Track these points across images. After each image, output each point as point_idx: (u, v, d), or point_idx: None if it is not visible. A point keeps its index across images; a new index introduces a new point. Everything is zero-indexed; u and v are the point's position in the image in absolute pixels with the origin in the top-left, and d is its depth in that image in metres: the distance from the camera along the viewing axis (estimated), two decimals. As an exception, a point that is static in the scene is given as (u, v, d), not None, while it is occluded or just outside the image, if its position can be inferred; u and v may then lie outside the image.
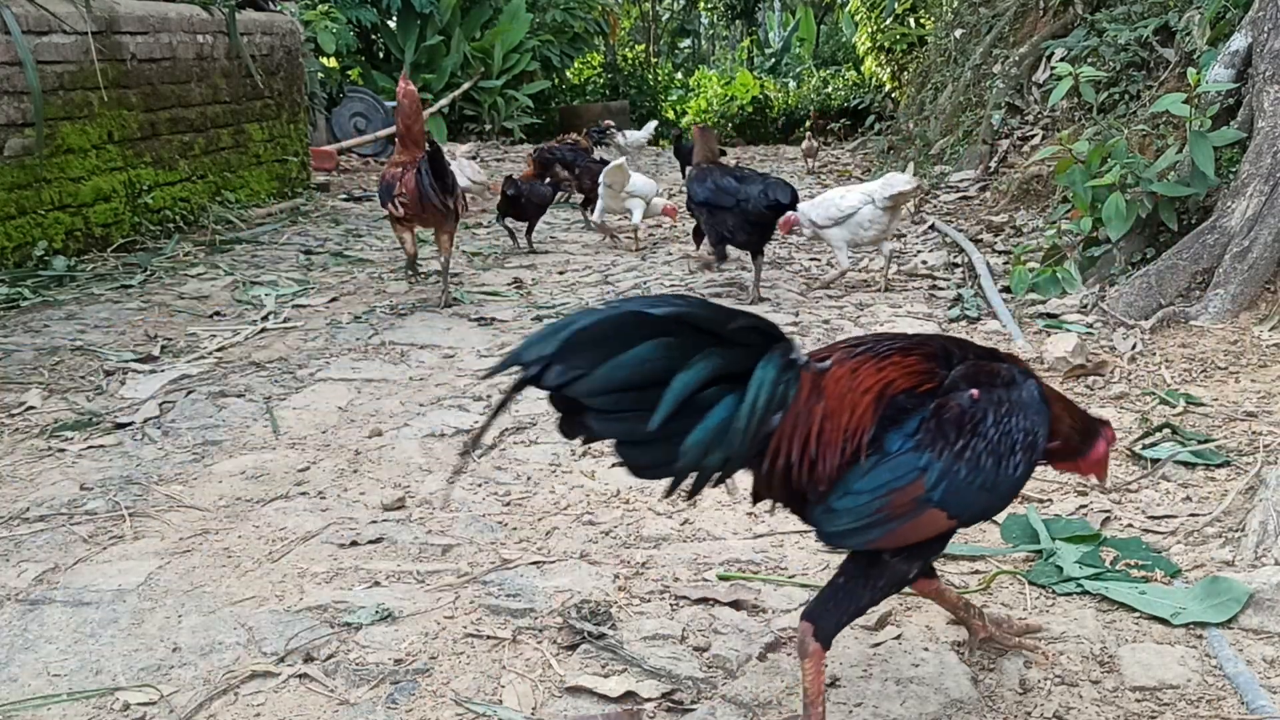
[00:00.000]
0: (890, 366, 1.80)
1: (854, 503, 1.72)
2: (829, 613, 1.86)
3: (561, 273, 6.59)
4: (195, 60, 7.93)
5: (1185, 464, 3.21)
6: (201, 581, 2.71)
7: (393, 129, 12.30)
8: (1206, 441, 3.34)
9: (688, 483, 1.70)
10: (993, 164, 8.53)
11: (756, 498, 1.88)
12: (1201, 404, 3.65)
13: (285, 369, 4.54)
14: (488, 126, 15.47)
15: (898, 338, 1.90)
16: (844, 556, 1.94)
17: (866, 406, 1.75)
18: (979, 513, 1.86)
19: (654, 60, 23.34)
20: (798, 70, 20.83)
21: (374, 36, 14.89)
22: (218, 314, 5.45)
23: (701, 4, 26.67)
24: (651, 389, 1.56)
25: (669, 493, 1.70)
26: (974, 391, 1.79)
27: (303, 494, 3.27)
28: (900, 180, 5.66)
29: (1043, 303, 5.10)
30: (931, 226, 7.45)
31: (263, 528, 3.04)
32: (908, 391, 1.79)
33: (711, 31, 29.89)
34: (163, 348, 4.79)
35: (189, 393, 4.20)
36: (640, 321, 1.56)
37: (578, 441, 1.73)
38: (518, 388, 1.58)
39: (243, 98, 8.60)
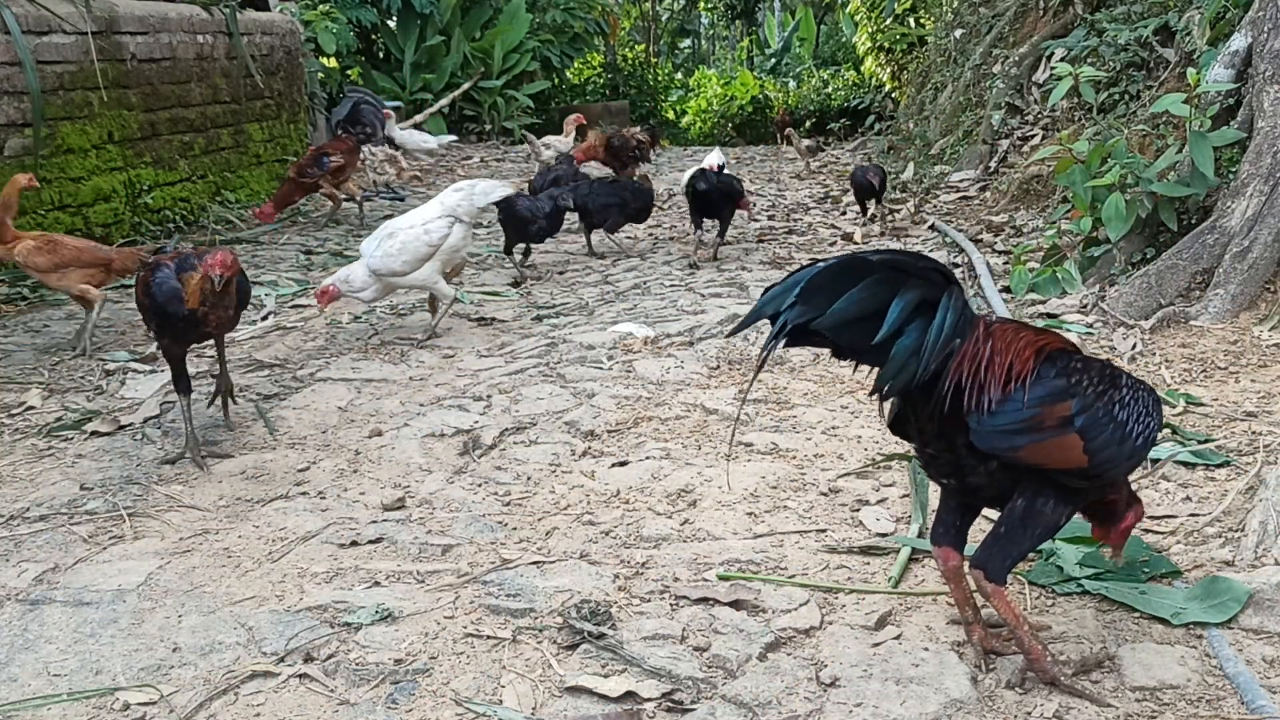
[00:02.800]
0: (1044, 333, 2.16)
1: (1013, 407, 2.02)
2: (994, 557, 2.15)
3: (561, 273, 6.59)
4: (195, 60, 7.93)
5: (1185, 464, 3.20)
6: (201, 581, 2.71)
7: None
8: (1206, 441, 3.34)
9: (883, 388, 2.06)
10: (993, 164, 8.53)
11: (898, 429, 2.21)
12: (1201, 404, 3.65)
13: (285, 369, 4.54)
14: (488, 126, 15.45)
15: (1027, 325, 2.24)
16: (999, 512, 2.19)
17: (1029, 355, 2.08)
18: (1105, 460, 2.08)
19: (654, 60, 23.31)
20: (798, 70, 20.82)
21: (374, 36, 14.87)
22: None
23: (701, 4, 26.66)
24: (871, 316, 1.93)
25: (873, 393, 2.04)
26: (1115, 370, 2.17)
27: (303, 494, 3.28)
28: (492, 188, 4.94)
29: (1043, 303, 5.10)
30: (931, 226, 7.45)
31: (263, 528, 3.04)
32: (1060, 350, 2.13)
33: (711, 31, 29.89)
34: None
35: (189, 393, 4.20)
36: (861, 265, 1.94)
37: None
38: (777, 333, 1.92)
39: (243, 98, 8.60)
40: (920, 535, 2.84)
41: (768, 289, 1.98)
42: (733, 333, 2.11)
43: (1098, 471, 2.10)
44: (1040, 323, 4.81)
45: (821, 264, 1.95)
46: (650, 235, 7.85)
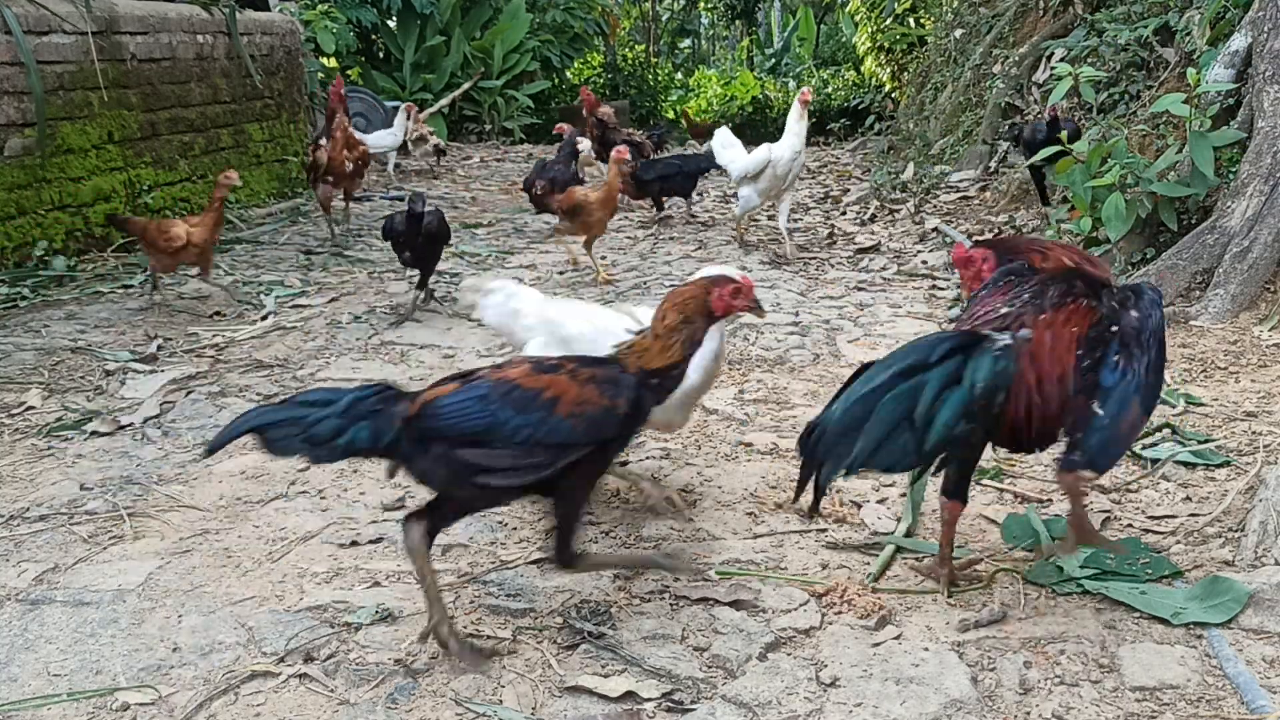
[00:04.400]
0: (1071, 317, 2.24)
1: (1099, 426, 2.16)
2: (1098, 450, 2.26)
3: (561, 273, 6.59)
4: (195, 60, 7.93)
5: (1185, 464, 3.21)
6: (201, 581, 2.71)
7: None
8: (1206, 441, 3.34)
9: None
10: (993, 164, 8.53)
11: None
12: (1201, 404, 3.65)
13: (285, 369, 4.54)
14: (488, 126, 15.44)
15: (1043, 285, 2.33)
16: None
17: (1069, 363, 2.19)
18: (1149, 410, 2.27)
19: (654, 60, 23.31)
20: (798, 70, 20.82)
21: (374, 36, 14.87)
22: (218, 314, 5.45)
23: (701, 4, 26.66)
24: (901, 427, 2.07)
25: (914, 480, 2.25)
26: (1134, 314, 2.26)
27: (303, 494, 3.27)
28: None
29: (1043, 303, 5.10)
30: (935, 229, 7.45)
31: (263, 528, 3.04)
32: (1089, 332, 2.23)
33: (711, 31, 29.89)
34: (161, 348, 4.79)
35: (189, 393, 4.20)
36: (873, 392, 2.04)
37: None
38: (821, 490, 2.17)
39: (243, 98, 8.60)
40: (909, 535, 2.85)
41: (802, 440, 2.21)
42: (796, 498, 2.38)
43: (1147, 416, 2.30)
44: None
45: (836, 408, 2.13)
46: (650, 236, 7.85)
